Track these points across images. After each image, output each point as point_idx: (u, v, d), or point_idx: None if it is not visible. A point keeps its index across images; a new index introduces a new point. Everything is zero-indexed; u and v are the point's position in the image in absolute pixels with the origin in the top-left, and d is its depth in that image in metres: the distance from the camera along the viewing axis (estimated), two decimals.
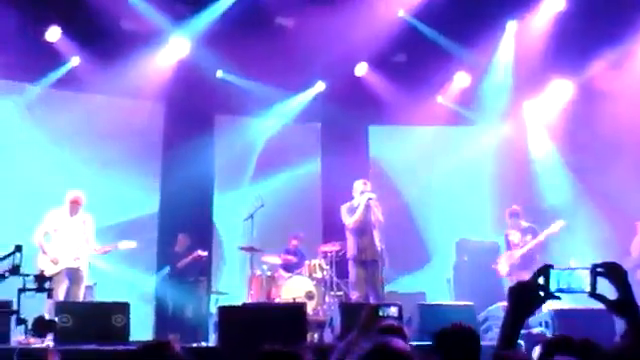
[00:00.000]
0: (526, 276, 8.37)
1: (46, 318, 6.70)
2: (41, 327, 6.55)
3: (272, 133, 11.69)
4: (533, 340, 6.62)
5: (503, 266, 9.79)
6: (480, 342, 3.55)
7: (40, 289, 6.75)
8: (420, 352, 4.05)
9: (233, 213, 11.14)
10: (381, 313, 4.87)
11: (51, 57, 10.13)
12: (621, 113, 10.23)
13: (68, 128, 10.17)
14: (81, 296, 8.42)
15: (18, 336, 7.24)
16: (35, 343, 7.30)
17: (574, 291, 2.35)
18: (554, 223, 9.63)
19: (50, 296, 7.06)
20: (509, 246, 9.84)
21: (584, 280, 2.35)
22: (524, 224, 9.81)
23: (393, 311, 4.71)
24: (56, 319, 6.92)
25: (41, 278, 6.83)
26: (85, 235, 8.51)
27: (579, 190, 11.11)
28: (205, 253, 10.56)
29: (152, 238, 10.96)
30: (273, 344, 3.60)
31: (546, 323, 7.81)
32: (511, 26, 10.84)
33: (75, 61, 10.31)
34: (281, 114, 11.77)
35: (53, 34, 9.99)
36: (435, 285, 11.35)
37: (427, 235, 11.66)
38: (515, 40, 10.94)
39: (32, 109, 10.29)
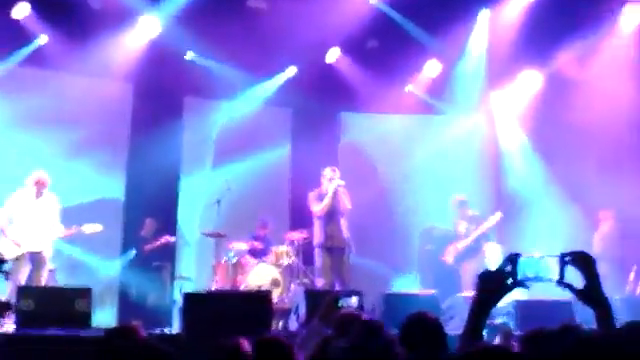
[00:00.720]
0: (469, 267, 8.54)
1: (1, 300, 6.62)
2: None
3: (241, 117, 11.59)
4: (496, 330, 6.71)
5: (449, 256, 9.97)
6: (444, 332, 3.57)
7: None
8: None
9: (199, 197, 11.06)
10: (341, 303, 4.92)
11: (19, 34, 9.89)
12: (589, 103, 10.34)
13: (34, 107, 9.93)
14: (44, 280, 8.32)
15: None
16: None
17: (542, 279, 2.37)
18: (492, 215, 9.90)
19: (7, 279, 6.96)
20: (457, 237, 10.02)
21: (552, 268, 2.37)
22: (470, 213, 10.02)
23: (353, 301, 4.75)
24: (12, 301, 6.85)
25: None
26: (49, 218, 8.38)
27: (546, 179, 11.24)
28: (173, 239, 10.47)
29: (116, 222, 10.80)
30: (243, 333, 3.60)
31: (509, 314, 7.92)
32: (483, 15, 10.85)
33: (43, 39, 10.08)
34: (251, 98, 11.66)
35: (21, 10, 9.76)
36: (402, 271, 11.45)
37: (396, 223, 11.68)
38: (487, 29, 10.97)
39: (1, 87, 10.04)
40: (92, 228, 8.58)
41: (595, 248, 10.06)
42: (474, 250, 9.76)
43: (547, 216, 10.81)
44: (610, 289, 8.39)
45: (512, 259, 2.36)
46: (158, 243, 10.30)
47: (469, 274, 9.40)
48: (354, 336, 3.20)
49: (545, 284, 2.45)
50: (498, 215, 9.94)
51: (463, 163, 11.74)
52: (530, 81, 11.49)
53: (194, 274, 10.72)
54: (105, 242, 10.07)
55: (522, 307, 7.83)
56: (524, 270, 2.35)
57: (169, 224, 10.90)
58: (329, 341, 3.47)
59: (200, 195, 10.90)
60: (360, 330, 3.26)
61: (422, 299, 8.38)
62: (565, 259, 2.35)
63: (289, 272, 9.71)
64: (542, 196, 11.11)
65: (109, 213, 10.39)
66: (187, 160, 11.51)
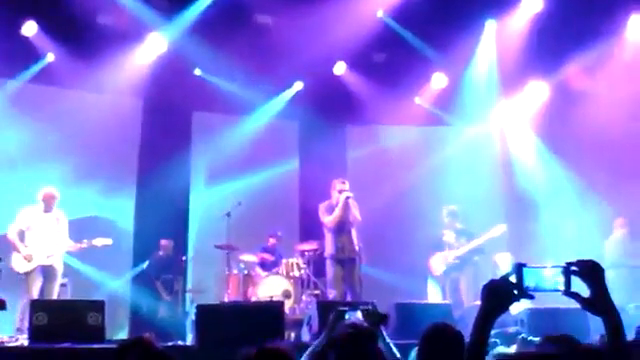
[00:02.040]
0: (462, 277, 8.50)
1: None
2: None
3: (250, 131, 11.64)
4: (509, 338, 6.69)
5: (439, 265, 9.91)
6: (464, 343, 3.53)
7: None
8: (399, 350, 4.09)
9: (209, 211, 11.08)
10: (347, 317, 4.92)
11: (28, 52, 9.99)
12: (596, 114, 10.34)
13: (43, 125, 10.00)
14: (55, 294, 8.34)
15: None
16: (9, 342, 7.24)
17: (548, 289, 2.36)
18: (494, 227, 9.82)
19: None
20: (442, 246, 9.95)
21: (558, 279, 2.37)
22: (459, 226, 9.99)
23: (358, 315, 4.74)
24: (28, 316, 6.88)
25: None
26: (59, 232, 8.42)
27: (557, 186, 11.22)
28: (184, 258, 10.66)
29: (127, 242, 10.86)
30: (255, 343, 3.61)
31: (522, 322, 7.88)
32: (490, 25, 10.89)
33: (51, 57, 10.17)
34: (259, 112, 11.73)
35: (29, 29, 9.86)
36: (415, 283, 11.38)
37: (406, 233, 11.66)
38: (494, 40, 11.01)
39: (12, 104, 10.07)
40: (102, 241, 8.62)
41: (607, 255, 10.03)
42: (466, 262, 9.76)
43: (558, 223, 10.79)
44: (625, 297, 8.43)
45: (517, 269, 2.36)
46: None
47: (465, 285, 9.47)
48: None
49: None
50: (502, 228, 9.85)
51: (472, 173, 11.73)
52: (537, 92, 11.51)
53: (207, 286, 10.71)
54: (116, 262, 10.16)
55: (534, 315, 7.80)
56: (529, 280, 2.36)
57: (180, 240, 10.94)
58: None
59: (210, 208, 10.91)
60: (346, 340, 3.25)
61: (435, 309, 8.36)
62: (571, 269, 2.35)
63: (300, 284, 9.72)
64: (553, 203, 11.09)
65: (118, 234, 10.35)
66: (198, 174, 11.55)
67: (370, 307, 5.28)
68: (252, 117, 11.71)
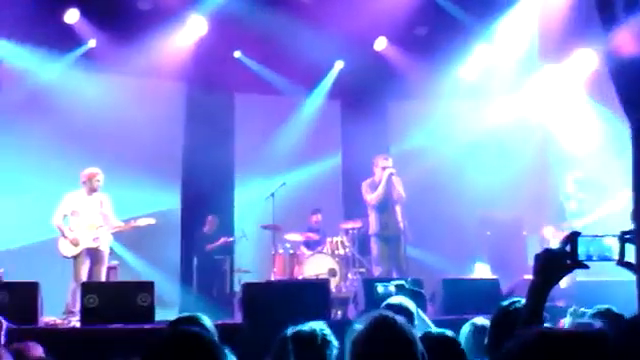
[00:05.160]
0: None
1: None
2: None
3: (292, 110, 11.63)
4: (558, 312, 6.57)
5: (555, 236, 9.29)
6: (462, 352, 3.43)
7: None
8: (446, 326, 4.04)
9: (253, 191, 11.13)
10: (381, 289, 4.96)
11: (71, 39, 10.13)
12: None
13: (87, 111, 10.10)
14: (103, 276, 8.46)
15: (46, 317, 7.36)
16: (62, 324, 7.41)
17: (603, 259, 2.31)
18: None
19: None
20: (564, 216, 9.45)
21: (612, 248, 2.31)
22: (582, 195, 9.44)
23: (391, 289, 4.76)
24: None
25: None
26: (103, 215, 8.49)
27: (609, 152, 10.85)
28: (231, 239, 10.74)
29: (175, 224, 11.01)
30: (302, 321, 3.60)
31: (570, 295, 7.74)
32: None
33: (92, 43, 10.30)
34: (300, 91, 11.70)
35: (72, 16, 10.00)
36: (459, 259, 11.28)
37: (450, 210, 11.53)
38: (537, 8, 10.73)
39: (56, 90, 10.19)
40: (147, 221, 8.66)
41: None
42: None
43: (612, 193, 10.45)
44: None
45: (571, 238, 2.30)
46: (218, 243, 10.57)
47: None
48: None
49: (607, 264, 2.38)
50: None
51: (517, 147, 11.50)
52: (585, 60, 11.17)
53: (253, 266, 10.79)
54: (165, 249, 10.38)
55: (584, 288, 7.66)
56: (584, 250, 2.30)
57: (226, 222, 11.04)
58: None
59: (256, 188, 10.95)
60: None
61: (482, 284, 8.28)
62: (625, 237, 2.29)
63: (345, 262, 9.72)
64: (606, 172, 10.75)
65: (167, 221, 10.45)
66: (242, 154, 11.61)
67: (403, 282, 5.26)
68: (294, 97, 11.68)
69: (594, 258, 2.31)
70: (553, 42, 10.67)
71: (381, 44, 11.42)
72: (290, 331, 3.65)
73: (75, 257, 8.24)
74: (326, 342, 3.46)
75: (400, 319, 2.48)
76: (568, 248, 2.30)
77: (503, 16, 10.67)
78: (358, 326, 2.49)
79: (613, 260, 2.31)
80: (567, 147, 11.26)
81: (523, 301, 3.37)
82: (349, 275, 9.51)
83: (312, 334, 3.47)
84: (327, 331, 3.52)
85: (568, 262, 2.30)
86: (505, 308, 3.25)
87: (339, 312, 8.56)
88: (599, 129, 10.60)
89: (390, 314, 2.52)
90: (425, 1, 10.43)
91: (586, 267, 2.29)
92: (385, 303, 4.49)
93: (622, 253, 2.29)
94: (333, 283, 9.00)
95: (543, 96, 11.86)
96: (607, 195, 9.39)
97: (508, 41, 11.12)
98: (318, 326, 3.54)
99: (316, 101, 11.90)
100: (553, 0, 10.44)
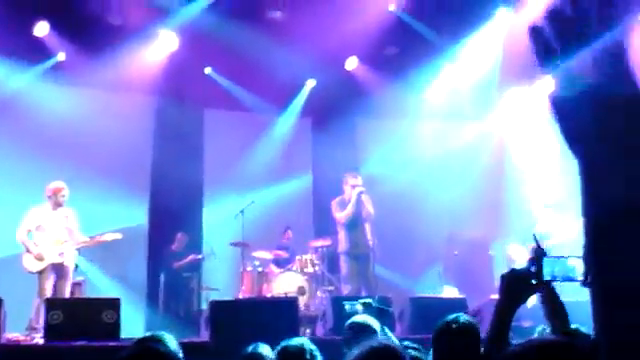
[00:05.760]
0: None
1: None
2: None
3: (262, 128, 11.62)
4: (523, 333, 6.62)
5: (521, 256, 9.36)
6: (479, 338, 3.45)
7: None
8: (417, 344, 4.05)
9: (222, 209, 11.07)
10: (347, 307, 4.95)
11: (40, 52, 10.03)
12: None
13: (53, 123, 9.97)
14: (68, 292, 8.32)
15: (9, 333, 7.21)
16: (25, 341, 7.27)
17: (567, 279, 2.33)
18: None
19: None
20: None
21: (576, 269, 2.33)
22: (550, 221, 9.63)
23: (358, 307, 4.76)
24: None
25: None
26: (68, 230, 8.36)
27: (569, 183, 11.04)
28: (199, 256, 10.66)
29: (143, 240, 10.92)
30: (270, 339, 3.58)
31: (536, 315, 7.79)
32: (501, 15, 10.73)
33: (62, 56, 10.22)
34: (271, 109, 11.71)
35: (41, 29, 9.90)
36: (427, 278, 11.32)
37: (416, 229, 11.60)
38: (505, 31, 10.89)
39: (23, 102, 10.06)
40: (113, 236, 8.55)
41: None
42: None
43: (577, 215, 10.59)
44: None
45: (537, 259, 2.33)
46: (186, 261, 10.53)
47: None
48: None
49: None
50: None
51: (480, 167, 11.65)
52: (548, 85, 11.35)
53: (222, 284, 10.72)
54: (132, 266, 10.21)
55: None
56: (548, 270, 2.32)
57: (195, 239, 10.97)
58: None
59: (225, 206, 10.89)
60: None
61: (449, 303, 8.31)
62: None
63: (314, 280, 9.69)
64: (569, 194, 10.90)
65: (134, 237, 10.33)
66: (211, 171, 11.56)
67: (371, 300, 5.26)
68: (264, 114, 11.68)
69: (558, 279, 2.33)
70: (516, 66, 10.83)
71: (352, 63, 11.49)
72: (253, 348, 3.64)
73: (40, 272, 8.10)
74: (313, 357, 3.46)
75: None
76: (533, 269, 2.32)
77: (470, 38, 10.79)
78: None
79: (577, 281, 2.33)
80: (528, 168, 11.47)
81: (465, 317, 3.42)
82: (318, 293, 9.48)
83: (300, 349, 3.46)
84: (313, 346, 3.52)
85: (533, 282, 2.32)
86: (446, 323, 3.28)
87: (307, 330, 8.52)
88: (560, 151, 10.73)
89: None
90: (396, 21, 10.52)
91: (551, 287, 2.31)
92: (349, 321, 4.49)
93: (586, 274, 2.31)
94: (302, 301, 8.95)
95: (507, 117, 12.06)
96: (572, 217, 9.51)
97: (474, 63, 11.26)
98: (305, 341, 3.54)
99: (287, 119, 11.90)
100: (519, 25, 10.60)
